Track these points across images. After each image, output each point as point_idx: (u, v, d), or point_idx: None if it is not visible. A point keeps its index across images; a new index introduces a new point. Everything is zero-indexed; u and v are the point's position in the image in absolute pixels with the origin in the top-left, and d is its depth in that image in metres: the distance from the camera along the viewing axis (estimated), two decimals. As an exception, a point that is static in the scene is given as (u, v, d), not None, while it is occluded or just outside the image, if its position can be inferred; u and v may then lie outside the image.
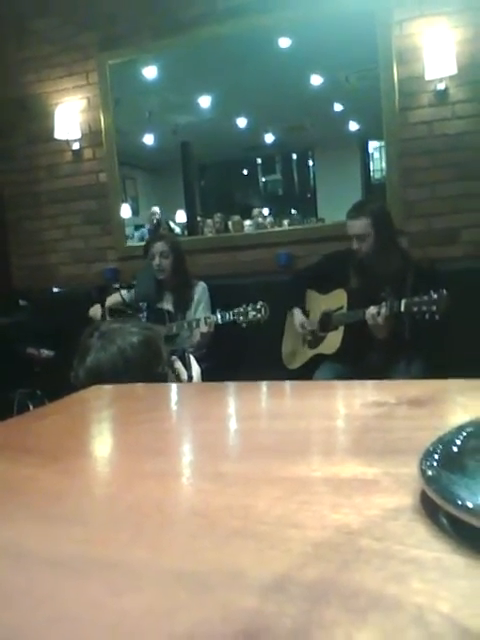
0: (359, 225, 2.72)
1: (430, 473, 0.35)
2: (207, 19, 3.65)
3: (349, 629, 0.26)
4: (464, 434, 0.38)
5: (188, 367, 1.54)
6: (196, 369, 1.57)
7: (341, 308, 2.82)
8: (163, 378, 1.39)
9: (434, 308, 2.42)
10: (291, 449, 0.50)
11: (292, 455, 0.48)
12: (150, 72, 4.13)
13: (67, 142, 4.09)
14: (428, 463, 0.36)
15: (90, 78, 4.03)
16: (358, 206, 2.84)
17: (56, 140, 4.09)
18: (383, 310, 2.53)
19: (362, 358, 2.71)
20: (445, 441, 0.38)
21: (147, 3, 3.78)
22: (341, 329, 2.82)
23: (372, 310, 2.56)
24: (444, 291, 2.43)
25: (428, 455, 0.37)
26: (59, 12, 3.98)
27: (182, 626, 0.27)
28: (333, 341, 2.85)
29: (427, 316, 2.44)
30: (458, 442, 0.37)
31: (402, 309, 2.52)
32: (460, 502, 0.32)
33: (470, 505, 0.31)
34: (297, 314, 3.00)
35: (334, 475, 0.43)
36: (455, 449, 0.37)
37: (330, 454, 0.49)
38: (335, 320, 2.85)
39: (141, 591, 0.30)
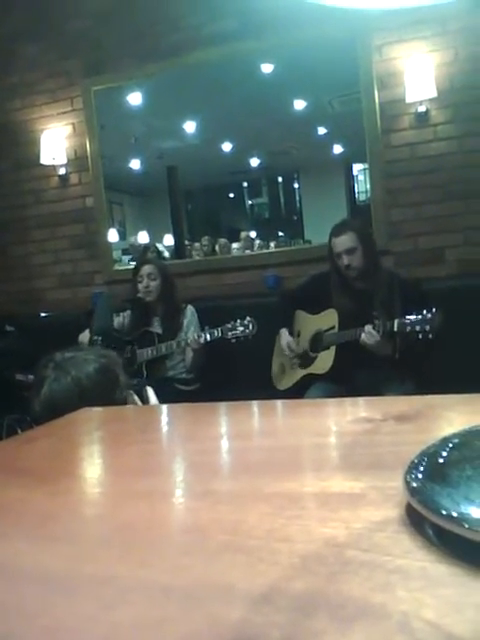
0: (346, 239, 2.77)
1: (415, 485, 0.36)
2: (191, 45, 3.70)
3: (337, 637, 0.26)
4: (448, 446, 0.39)
5: (145, 401, 1.55)
6: (153, 402, 1.58)
7: (332, 328, 2.84)
8: (122, 403, 1.38)
9: (427, 327, 2.44)
10: (280, 466, 0.50)
11: (281, 472, 0.48)
12: (135, 98, 4.17)
13: (53, 167, 4.11)
14: (413, 475, 0.37)
15: (75, 104, 4.06)
16: (341, 224, 2.89)
17: (42, 165, 4.11)
18: (379, 330, 2.55)
19: (354, 378, 2.72)
20: (429, 453, 0.39)
21: (132, 29, 3.84)
22: (333, 349, 2.83)
23: (368, 329, 2.58)
24: (434, 310, 2.46)
25: (413, 468, 0.38)
26: (44, 38, 4.03)
27: (172, 638, 0.28)
28: (325, 361, 2.86)
29: (420, 335, 2.46)
30: (442, 454, 0.38)
31: (395, 328, 2.54)
32: (444, 512, 0.32)
33: (454, 514, 0.32)
34: (284, 335, 3.01)
35: (322, 490, 0.44)
36: (439, 461, 0.37)
37: (318, 470, 0.50)
38: (327, 340, 2.86)
39: (131, 605, 0.31)
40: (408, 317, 2.50)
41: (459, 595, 0.29)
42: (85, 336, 3.08)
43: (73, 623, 0.30)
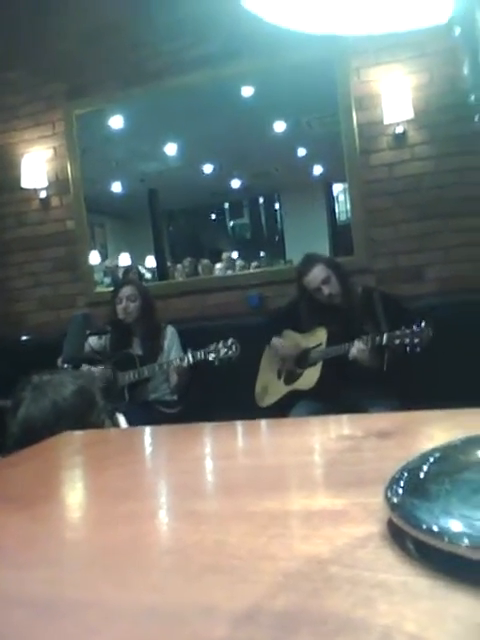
0: (318, 272, 2.82)
1: (395, 500, 0.36)
2: (173, 69, 3.74)
3: (319, 653, 0.26)
4: (427, 461, 0.40)
5: (116, 425, 1.54)
6: (123, 427, 1.58)
7: (319, 345, 2.86)
8: (100, 426, 1.38)
9: (417, 340, 2.48)
10: (262, 485, 0.50)
11: (263, 491, 0.49)
12: (116, 122, 4.20)
13: (34, 190, 4.11)
14: (393, 491, 0.37)
15: (56, 128, 4.08)
16: (307, 259, 2.93)
17: (23, 189, 4.11)
18: (368, 344, 2.58)
19: (339, 394, 2.73)
20: (409, 469, 0.39)
21: (113, 54, 3.87)
22: (319, 366, 2.85)
23: (357, 344, 2.60)
24: (423, 324, 2.49)
25: (393, 483, 0.38)
26: (25, 62, 4.05)
27: (155, 660, 0.28)
28: (310, 377, 2.87)
29: (408, 348, 2.49)
30: (422, 469, 0.39)
31: (384, 342, 2.57)
32: (424, 526, 0.33)
33: (434, 528, 0.32)
34: (275, 340, 3.00)
35: (304, 508, 0.44)
36: (419, 476, 0.38)
37: (300, 488, 0.50)
38: (313, 356, 2.88)
39: (115, 627, 0.31)
40: (398, 331, 2.53)
41: (440, 608, 0.29)
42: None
43: (54, 647, 0.30)
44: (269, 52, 3.53)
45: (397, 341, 2.53)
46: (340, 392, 2.73)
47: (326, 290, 2.81)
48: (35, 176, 4.06)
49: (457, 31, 0.45)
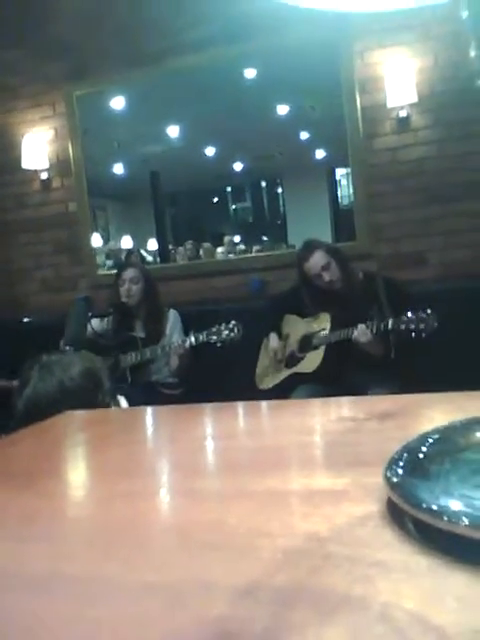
0: (318, 258, 2.82)
1: (395, 480, 0.36)
2: (174, 51, 3.71)
3: (318, 628, 0.26)
4: (427, 442, 0.40)
5: (117, 407, 1.55)
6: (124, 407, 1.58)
7: (323, 330, 2.86)
8: (106, 408, 1.39)
9: (422, 326, 2.48)
10: (263, 465, 0.50)
11: (264, 470, 0.49)
12: (118, 103, 4.17)
13: (35, 172, 4.09)
14: (393, 471, 0.37)
15: (57, 108, 4.05)
16: (306, 245, 2.93)
17: (24, 170, 4.09)
18: (373, 329, 2.58)
19: (341, 378, 2.73)
20: (409, 449, 0.39)
21: (114, 35, 3.83)
22: (321, 350, 2.85)
23: (361, 327, 2.60)
24: (429, 310, 2.49)
25: (393, 463, 0.38)
26: (26, 42, 4.02)
27: (155, 634, 0.28)
28: (312, 361, 2.87)
29: (414, 334, 2.49)
30: (421, 449, 0.39)
31: (390, 327, 2.57)
32: (424, 505, 0.33)
33: (433, 508, 0.32)
34: (273, 339, 3.02)
35: (304, 487, 0.44)
36: (418, 456, 0.38)
37: (301, 468, 0.50)
38: (316, 340, 2.88)
39: (115, 603, 0.31)
40: (404, 316, 2.53)
41: (439, 586, 0.29)
42: (67, 341, 3.06)
43: (56, 622, 0.30)
44: (272, 34, 3.50)
45: (403, 327, 2.53)
46: (341, 376, 2.74)
47: (326, 276, 2.81)
48: (36, 157, 4.04)
49: (465, 14, 0.44)
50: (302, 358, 2.95)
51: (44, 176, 4.09)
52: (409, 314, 2.53)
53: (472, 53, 0.45)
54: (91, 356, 1.55)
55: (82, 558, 0.37)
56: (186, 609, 0.30)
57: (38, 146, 4.05)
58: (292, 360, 2.98)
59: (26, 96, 4.09)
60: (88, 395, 1.37)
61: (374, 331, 2.59)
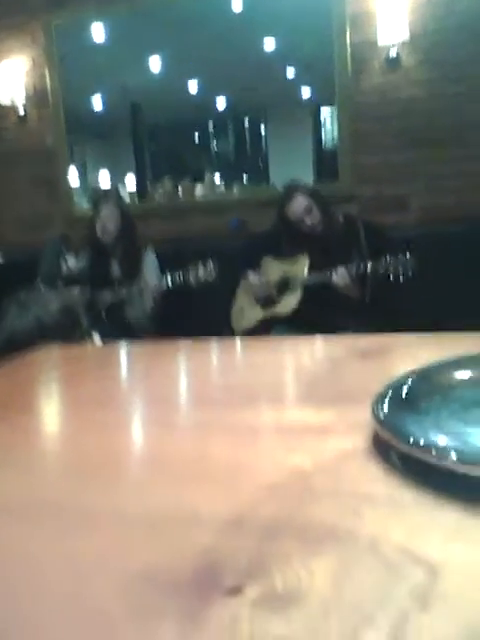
0: (300, 201, 2.77)
1: (382, 415, 0.36)
2: (157, -24, 3.53)
3: (305, 558, 0.26)
4: (415, 378, 0.39)
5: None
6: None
7: (301, 273, 2.85)
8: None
9: (401, 270, 2.48)
10: (243, 399, 0.50)
11: (246, 405, 0.48)
12: (98, 33, 3.99)
13: (11, 103, 3.94)
14: (380, 406, 0.37)
15: (35, 38, 3.87)
16: (288, 189, 2.88)
17: (-1, 101, 3.93)
18: (352, 271, 2.57)
19: (317, 321, 2.73)
20: (397, 385, 0.39)
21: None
22: (298, 292, 2.84)
23: (341, 270, 2.59)
24: (408, 253, 2.49)
25: (380, 399, 0.38)
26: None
27: (137, 563, 0.27)
28: (289, 302, 2.86)
29: (391, 278, 2.50)
30: (410, 386, 0.38)
31: (368, 270, 2.56)
32: (412, 440, 0.32)
33: (422, 442, 0.32)
34: (251, 275, 2.98)
35: (287, 422, 0.44)
36: (407, 392, 0.37)
37: (282, 403, 0.49)
38: (293, 283, 2.86)
39: (95, 532, 0.30)
40: (382, 259, 2.53)
41: (425, 519, 0.29)
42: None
43: (35, 549, 0.29)
44: (261, -39, 3.34)
45: (381, 270, 2.53)
46: (318, 319, 2.74)
47: (308, 220, 2.78)
48: (12, 88, 3.88)
49: None
50: (279, 301, 2.94)
51: (20, 108, 3.94)
52: (387, 257, 2.53)
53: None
54: (69, 294, 1.53)
55: (61, 488, 0.36)
56: (169, 540, 0.29)
57: (15, 76, 3.88)
58: (269, 302, 2.97)
59: (2, 26, 3.89)
60: (66, 332, 1.36)
61: (353, 273, 2.58)
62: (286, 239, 2.87)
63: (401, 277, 2.46)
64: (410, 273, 2.49)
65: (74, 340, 1.35)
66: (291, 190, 2.86)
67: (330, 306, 2.69)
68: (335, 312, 2.69)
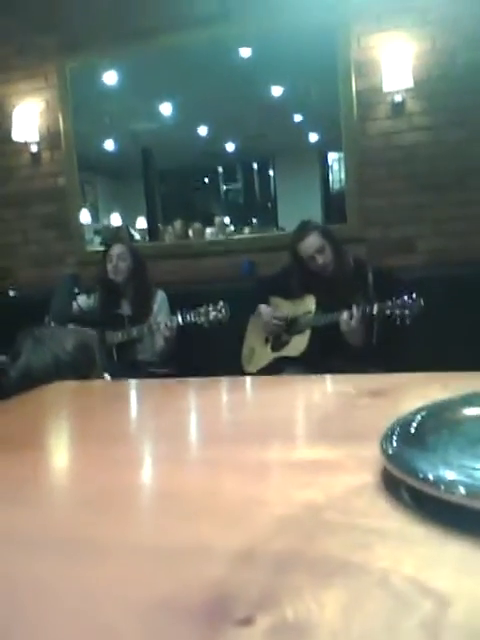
0: (313, 240, 2.80)
1: (391, 450, 0.36)
2: (170, 26, 3.66)
3: (316, 591, 0.26)
4: (424, 415, 0.40)
5: None
6: None
7: (308, 313, 2.86)
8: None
9: (407, 312, 2.48)
10: (254, 436, 0.50)
11: (256, 441, 0.49)
12: (110, 77, 4.11)
13: (25, 144, 4.03)
14: (389, 441, 0.37)
15: (49, 81, 3.99)
16: (302, 226, 2.91)
17: (14, 142, 4.03)
18: (356, 313, 2.57)
19: (327, 363, 2.73)
20: (406, 421, 0.39)
21: (109, 8, 3.77)
22: (307, 332, 2.85)
23: (346, 314, 2.59)
24: (414, 295, 2.49)
25: (389, 434, 0.38)
26: (19, 13, 3.94)
27: (150, 594, 0.28)
28: (298, 344, 2.87)
29: (398, 321, 2.49)
30: (418, 422, 0.39)
31: (374, 312, 2.57)
32: (421, 475, 0.33)
33: (431, 477, 0.32)
34: (264, 308, 2.99)
35: (298, 459, 0.44)
36: (415, 428, 0.38)
37: (293, 440, 0.50)
38: (303, 323, 2.87)
39: (109, 564, 0.31)
40: (388, 302, 2.53)
41: (436, 553, 0.29)
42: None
43: (54, 582, 0.30)
44: (269, 14, 3.46)
45: (388, 312, 2.53)
46: (328, 361, 2.74)
47: (320, 259, 2.80)
48: (26, 129, 3.98)
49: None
50: (288, 341, 2.94)
51: (34, 149, 4.04)
52: (394, 300, 2.53)
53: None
54: (85, 331, 1.55)
55: (72, 522, 0.37)
56: (182, 572, 0.29)
57: (29, 118, 3.99)
58: (278, 343, 2.98)
59: (19, 67, 4.02)
60: (82, 370, 1.37)
61: (359, 316, 2.58)
62: (295, 277, 2.88)
63: (408, 319, 2.46)
64: (417, 314, 2.48)
65: (90, 378, 1.36)
66: (305, 228, 2.88)
67: (339, 348, 2.69)
68: (344, 354, 2.69)
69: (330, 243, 2.82)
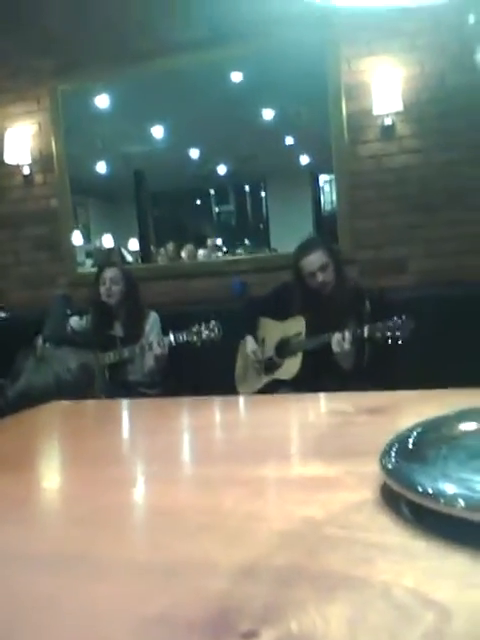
0: (317, 257, 2.76)
1: (390, 466, 0.37)
2: (161, 51, 3.70)
3: (320, 604, 0.27)
4: (421, 431, 0.40)
5: None
6: None
7: (299, 334, 2.84)
8: None
9: (398, 333, 2.47)
10: (253, 454, 0.50)
11: (254, 459, 0.49)
12: (103, 100, 4.15)
13: (17, 166, 4.05)
14: (388, 457, 0.38)
15: (41, 103, 4.01)
16: (308, 242, 2.90)
17: (6, 164, 4.05)
18: (347, 335, 2.55)
19: (320, 385, 2.72)
20: (404, 437, 0.40)
21: (102, 32, 3.82)
22: (299, 355, 2.84)
23: (338, 336, 2.57)
24: (404, 317, 2.48)
25: (387, 451, 0.38)
26: (12, 35, 3.98)
27: (154, 609, 0.28)
28: (290, 367, 2.85)
29: (390, 341, 2.48)
30: (416, 437, 0.39)
31: (365, 334, 2.55)
32: (420, 489, 0.33)
33: (431, 491, 0.32)
34: (249, 342, 3.00)
35: (297, 475, 0.44)
36: (414, 443, 0.38)
37: (292, 457, 0.50)
38: (294, 346, 2.86)
39: (112, 579, 0.31)
40: (379, 323, 2.52)
41: (436, 565, 0.29)
42: (40, 338, 3.03)
43: (54, 598, 0.30)
44: (260, 38, 3.50)
45: (378, 334, 2.52)
46: (320, 383, 2.73)
47: (320, 277, 2.77)
48: (18, 152, 4.00)
49: (471, 19, 0.44)
50: (280, 364, 2.94)
51: (26, 171, 4.05)
52: (384, 321, 2.52)
53: (479, 58, 0.46)
54: (85, 352, 1.55)
55: (71, 540, 0.37)
56: (185, 586, 0.29)
57: (21, 140, 4.01)
58: (271, 366, 2.97)
59: (11, 89, 4.05)
60: (82, 388, 1.37)
61: (350, 338, 2.56)
62: (296, 292, 2.85)
63: (399, 340, 2.45)
64: (408, 334, 2.48)
65: (88, 398, 1.36)
66: (311, 244, 2.86)
67: (331, 370, 2.68)
68: (336, 376, 2.68)
69: (334, 263, 2.79)
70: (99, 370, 1.47)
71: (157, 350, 2.91)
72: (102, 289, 3.19)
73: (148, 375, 3.09)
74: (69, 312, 3.22)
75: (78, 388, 1.35)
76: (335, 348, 2.59)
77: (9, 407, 1.30)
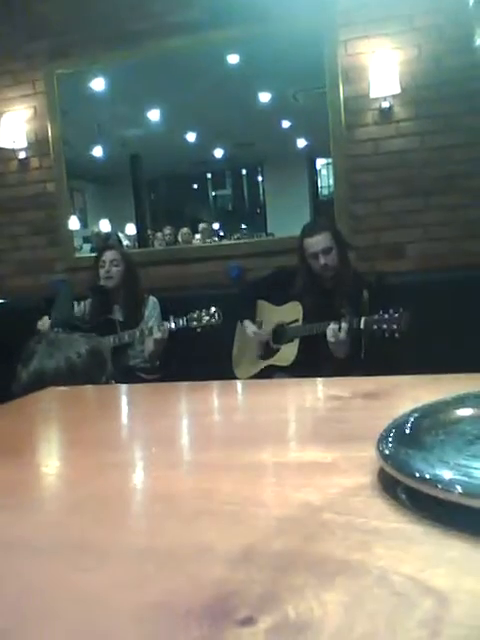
0: (322, 239, 2.73)
1: (387, 451, 0.36)
2: (157, 33, 3.66)
3: (318, 591, 0.26)
4: (418, 416, 0.40)
5: None
6: None
7: (296, 321, 2.84)
8: None
9: (395, 326, 2.44)
10: (250, 439, 0.50)
11: (251, 444, 0.49)
12: (99, 84, 4.11)
13: (13, 151, 4.02)
14: (385, 442, 0.37)
15: (37, 87, 3.98)
16: (314, 223, 2.88)
17: (1, 149, 4.02)
18: (343, 325, 2.52)
19: (317, 372, 2.72)
20: (401, 422, 0.39)
21: (97, 15, 3.78)
22: (296, 342, 2.83)
23: (333, 326, 2.54)
24: (402, 309, 2.45)
25: (384, 436, 0.38)
26: (7, 19, 3.94)
27: (151, 596, 0.28)
28: (287, 353, 2.85)
29: (387, 334, 2.45)
30: (414, 422, 0.39)
31: (361, 326, 2.52)
32: (418, 474, 0.33)
33: (427, 476, 0.32)
34: (248, 324, 3.00)
35: (294, 460, 0.44)
36: (410, 428, 0.38)
37: (289, 442, 0.50)
38: (290, 332, 2.85)
39: (108, 566, 0.31)
40: (375, 315, 2.49)
41: (434, 552, 0.29)
42: (44, 323, 3.04)
43: (50, 585, 0.29)
44: (257, 21, 3.47)
45: (375, 326, 2.49)
46: (318, 370, 2.73)
47: (323, 259, 2.74)
48: (14, 136, 3.97)
49: (471, 1, 0.44)
50: (277, 350, 2.93)
51: (22, 155, 4.03)
52: (381, 314, 2.49)
53: (478, 41, 0.45)
54: (96, 337, 1.56)
55: (72, 524, 0.36)
56: (182, 572, 0.29)
57: (17, 124, 3.98)
58: (267, 351, 2.97)
59: (6, 73, 4.01)
60: (93, 374, 1.37)
61: (346, 329, 2.52)
62: (296, 276, 2.82)
63: (396, 333, 2.43)
64: (405, 329, 2.44)
65: (99, 383, 1.37)
66: (317, 225, 2.83)
67: (328, 359, 2.67)
68: (333, 364, 2.68)
69: (338, 247, 2.76)
70: (109, 355, 1.47)
71: (157, 334, 2.92)
72: (102, 272, 3.19)
73: (148, 360, 3.10)
74: (74, 297, 3.23)
75: (89, 373, 1.36)
76: (330, 338, 2.56)
77: (23, 391, 1.30)
